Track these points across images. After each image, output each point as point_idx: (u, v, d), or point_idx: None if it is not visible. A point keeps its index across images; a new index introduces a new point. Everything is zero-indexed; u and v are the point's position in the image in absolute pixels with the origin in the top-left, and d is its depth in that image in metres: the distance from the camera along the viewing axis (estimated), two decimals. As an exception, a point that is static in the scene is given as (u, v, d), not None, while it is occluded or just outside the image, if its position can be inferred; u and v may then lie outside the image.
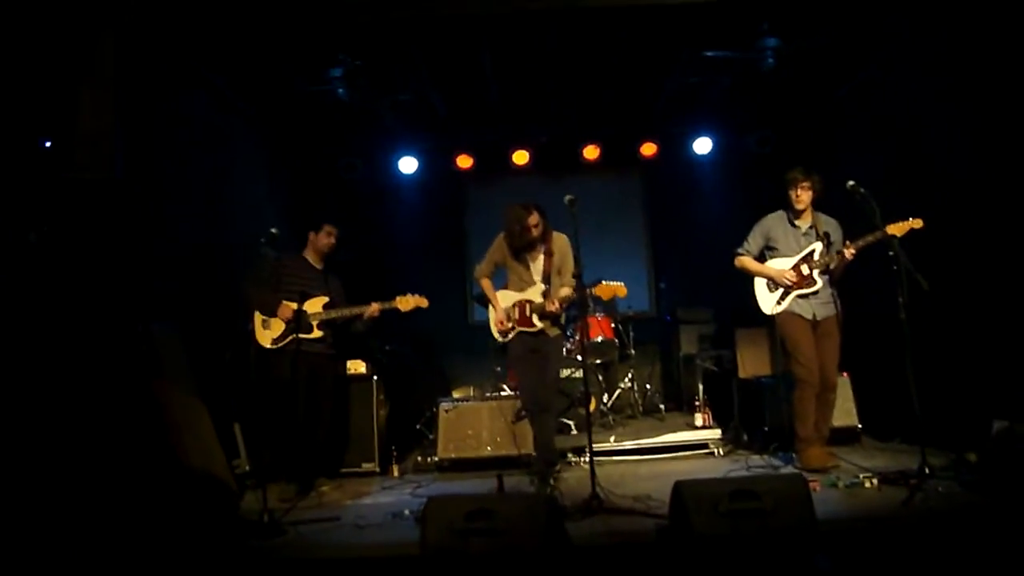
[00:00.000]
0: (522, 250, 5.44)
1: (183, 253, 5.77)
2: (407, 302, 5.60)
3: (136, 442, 4.25)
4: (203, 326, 5.61)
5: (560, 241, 5.46)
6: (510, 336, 5.51)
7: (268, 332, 5.46)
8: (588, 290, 5.30)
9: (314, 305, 5.58)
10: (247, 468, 5.78)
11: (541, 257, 5.46)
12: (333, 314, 5.59)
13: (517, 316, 5.44)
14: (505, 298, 5.55)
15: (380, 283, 5.99)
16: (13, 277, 4.33)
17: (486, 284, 5.67)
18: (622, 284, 5.36)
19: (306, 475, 5.47)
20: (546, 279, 5.41)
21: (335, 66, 6.51)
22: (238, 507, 4.86)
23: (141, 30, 4.83)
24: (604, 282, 5.37)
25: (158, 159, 5.52)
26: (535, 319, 5.39)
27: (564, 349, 5.70)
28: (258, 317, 5.48)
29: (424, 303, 5.62)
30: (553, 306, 5.26)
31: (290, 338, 5.38)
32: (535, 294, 5.41)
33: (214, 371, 5.54)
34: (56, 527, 3.92)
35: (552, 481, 5.24)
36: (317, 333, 5.55)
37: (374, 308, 5.61)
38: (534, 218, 5.32)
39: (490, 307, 5.66)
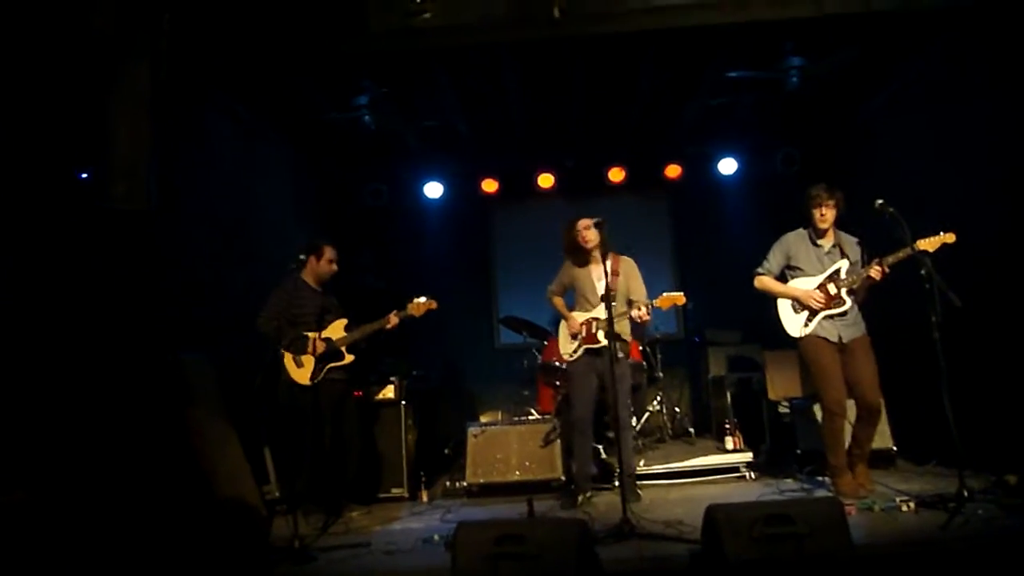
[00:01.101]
0: (579, 257, 5.55)
1: (213, 281, 5.84)
2: (418, 307, 5.56)
3: (167, 470, 4.28)
4: (232, 353, 5.66)
5: (626, 264, 5.63)
6: (576, 355, 5.60)
7: (303, 370, 5.42)
8: (650, 303, 5.43)
9: (336, 330, 5.58)
10: (277, 494, 5.80)
11: (604, 276, 5.52)
12: (357, 335, 5.59)
13: (584, 333, 5.52)
14: (574, 316, 5.70)
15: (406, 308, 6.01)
16: (44, 306, 4.39)
17: (558, 301, 5.88)
18: (681, 294, 5.42)
19: (335, 502, 5.47)
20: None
21: (361, 94, 6.60)
22: (268, 533, 4.87)
23: (173, 60, 4.93)
24: (664, 293, 5.43)
25: (190, 188, 5.61)
26: (600, 335, 5.47)
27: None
28: (287, 357, 5.46)
29: (434, 305, 5.59)
30: (640, 312, 5.35)
31: (326, 369, 5.44)
32: (601, 311, 5.48)
33: (244, 397, 5.58)
34: (89, 555, 3.94)
35: (637, 496, 5.45)
36: (349, 357, 5.57)
37: (394, 319, 5.57)
38: (585, 222, 5.49)
39: (562, 322, 5.80)
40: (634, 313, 5.38)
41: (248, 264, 6.36)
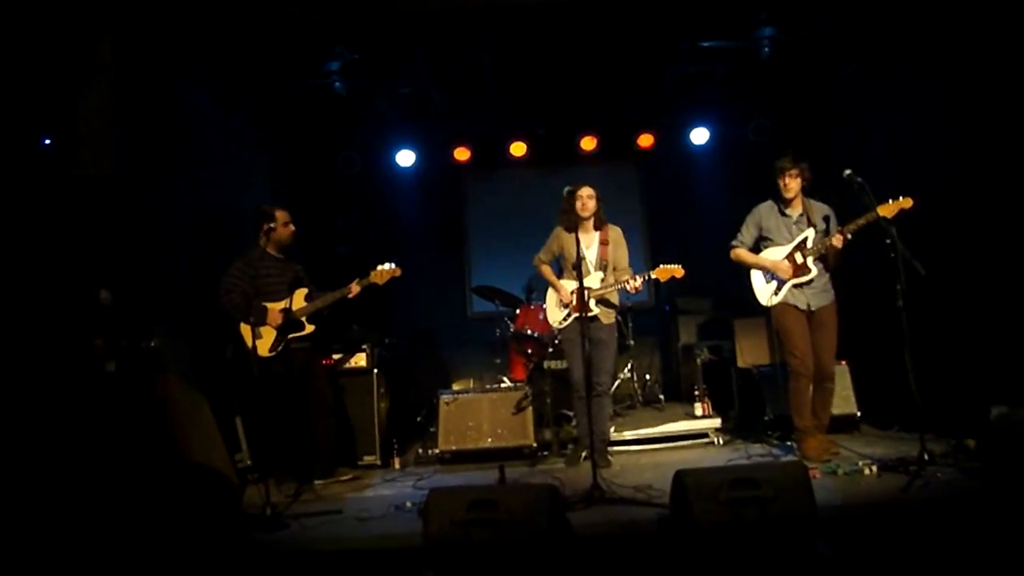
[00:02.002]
0: (571, 221, 5.52)
1: (183, 249, 5.77)
2: (382, 274, 5.46)
3: (139, 437, 4.27)
4: (204, 321, 5.61)
5: (615, 232, 5.68)
6: (567, 322, 5.65)
7: (261, 341, 5.33)
8: (647, 274, 5.50)
9: (297, 300, 5.49)
10: (249, 462, 5.79)
11: (595, 245, 5.63)
12: (319, 303, 5.49)
13: (575, 302, 5.53)
14: (564, 286, 5.72)
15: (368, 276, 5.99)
16: (14, 274, 4.33)
17: (546, 270, 5.88)
18: (679, 266, 5.46)
19: (306, 470, 5.47)
20: (603, 266, 5.59)
21: (332, 60, 6.49)
22: (240, 501, 4.88)
23: (139, 27, 4.84)
24: (662, 265, 5.48)
25: (158, 155, 5.52)
26: (591, 304, 5.51)
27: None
28: (246, 329, 5.34)
29: (397, 272, 5.49)
30: (635, 282, 5.41)
31: (286, 340, 5.40)
32: (593, 281, 5.55)
33: (215, 366, 5.55)
34: (58, 523, 3.93)
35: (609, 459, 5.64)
36: (310, 328, 5.50)
37: (355, 288, 5.48)
38: (587, 191, 5.53)
39: (549, 291, 5.85)
40: (629, 285, 5.42)
41: (220, 233, 6.28)
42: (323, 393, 5.65)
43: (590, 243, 5.64)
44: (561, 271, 5.86)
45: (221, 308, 5.35)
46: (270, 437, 5.41)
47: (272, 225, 5.44)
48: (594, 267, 5.62)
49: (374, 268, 5.48)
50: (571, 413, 6.47)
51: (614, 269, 5.63)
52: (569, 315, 5.65)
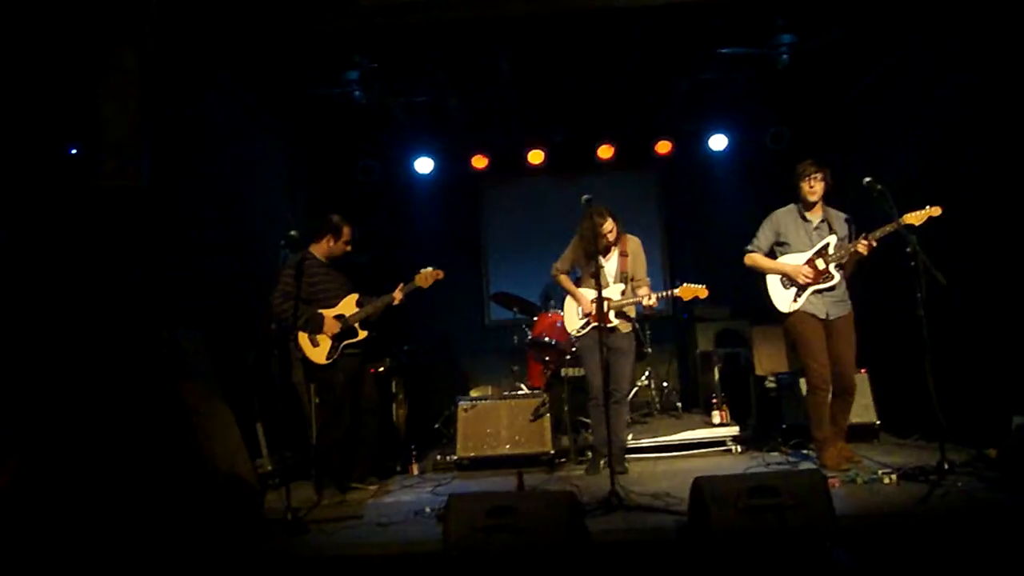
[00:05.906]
0: (596, 253, 5.53)
1: (206, 257, 5.84)
2: (426, 277, 5.53)
3: (162, 444, 4.32)
4: (226, 329, 5.67)
5: (633, 243, 5.70)
6: (585, 331, 5.68)
7: (318, 349, 5.36)
8: (669, 291, 5.61)
9: (348, 306, 5.53)
10: (269, 468, 5.84)
11: (615, 257, 5.67)
12: (369, 310, 5.53)
13: (595, 312, 5.53)
14: (584, 295, 5.72)
15: (397, 284, 6.03)
16: (40, 284, 4.40)
17: (564, 279, 5.89)
18: (704, 286, 5.47)
19: (347, 477, 5.48)
20: (623, 279, 5.62)
21: (351, 69, 6.56)
22: (261, 506, 4.92)
23: (162, 37, 4.91)
24: (687, 284, 5.51)
25: (181, 165, 5.59)
26: (611, 316, 5.55)
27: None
28: (303, 336, 5.36)
29: (440, 274, 5.57)
30: (650, 300, 5.45)
31: (341, 347, 5.41)
32: (614, 292, 5.59)
33: (237, 373, 5.60)
34: (82, 528, 3.98)
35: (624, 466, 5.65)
36: (363, 334, 5.51)
37: (398, 295, 5.54)
38: (608, 224, 5.51)
39: (568, 299, 5.88)
40: (644, 302, 5.45)
41: (241, 240, 6.35)
42: (371, 400, 5.68)
43: (610, 255, 5.67)
44: (579, 280, 5.87)
45: (276, 317, 5.33)
46: (307, 444, 5.39)
47: (336, 238, 5.56)
48: (613, 279, 5.64)
49: (417, 272, 5.53)
50: (588, 420, 6.48)
51: (632, 279, 5.64)
52: (587, 324, 5.66)
